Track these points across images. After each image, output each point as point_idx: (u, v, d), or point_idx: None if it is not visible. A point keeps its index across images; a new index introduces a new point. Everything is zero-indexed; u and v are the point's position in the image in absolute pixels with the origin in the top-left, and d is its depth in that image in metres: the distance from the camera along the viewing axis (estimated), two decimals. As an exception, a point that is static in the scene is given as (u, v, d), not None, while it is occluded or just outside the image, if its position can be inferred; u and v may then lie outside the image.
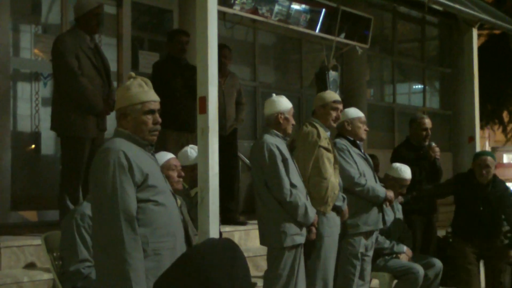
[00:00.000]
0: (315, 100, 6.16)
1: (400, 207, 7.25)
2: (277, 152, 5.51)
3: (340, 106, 6.14)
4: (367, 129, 6.51)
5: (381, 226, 6.45)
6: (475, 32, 7.26)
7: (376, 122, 13.66)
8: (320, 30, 9.77)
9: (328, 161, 5.84)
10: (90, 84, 6.46)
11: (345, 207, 6.01)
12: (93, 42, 6.68)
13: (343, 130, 6.48)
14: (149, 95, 4.03)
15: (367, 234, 6.35)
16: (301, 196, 5.52)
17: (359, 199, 6.24)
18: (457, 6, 6.86)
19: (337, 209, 5.93)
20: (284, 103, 5.70)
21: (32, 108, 8.36)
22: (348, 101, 11.57)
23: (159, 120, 4.06)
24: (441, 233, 9.45)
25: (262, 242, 5.71)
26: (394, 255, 6.96)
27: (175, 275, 2.01)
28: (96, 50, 6.70)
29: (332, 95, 6.19)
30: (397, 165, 7.03)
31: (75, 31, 6.65)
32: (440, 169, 7.85)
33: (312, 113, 6.17)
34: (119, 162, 3.82)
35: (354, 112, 6.53)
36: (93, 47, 6.66)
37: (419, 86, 15.56)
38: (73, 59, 6.42)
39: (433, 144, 7.76)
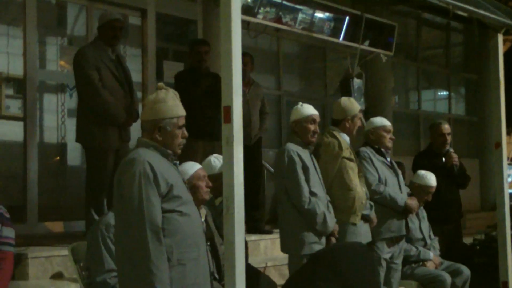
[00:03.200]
0: (341, 111, 6.08)
1: (425, 214, 7.20)
2: (297, 160, 5.51)
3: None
4: (392, 137, 6.47)
5: (404, 232, 6.40)
6: (500, 38, 7.19)
7: (401, 129, 13.58)
8: (344, 38, 9.76)
9: (352, 171, 5.83)
10: (112, 96, 6.48)
11: (373, 215, 5.99)
12: (115, 53, 6.72)
13: (368, 139, 6.48)
14: (182, 110, 4.12)
15: (392, 241, 6.32)
16: (320, 205, 5.49)
17: (381, 206, 6.21)
18: (481, 11, 6.80)
19: (365, 217, 5.92)
20: (300, 112, 5.70)
21: (58, 119, 8.44)
22: (373, 109, 11.55)
23: (186, 134, 4.16)
24: (467, 240, 9.38)
25: (283, 249, 5.71)
26: (421, 263, 6.92)
27: (310, 278, 1.94)
28: (117, 61, 6.72)
29: (357, 105, 6.17)
30: (422, 172, 6.99)
31: (96, 42, 6.70)
32: (461, 175, 7.76)
33: (332, 122, 6.13)
34: (144, 173, 3.84)
35: (378, 121, 6.52)
36: (114, 58, 6.68)
37: (444, 93, 15.47)
38: (93, 72, 6.45)
39: (451, 150, 7.68)
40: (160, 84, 4.17)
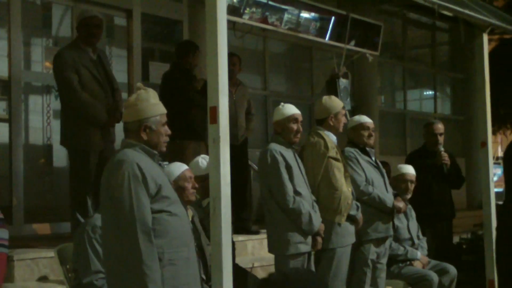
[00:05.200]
0: (323, 110, 6.07)
1: (414, 213, 7.21)
2: (280, 159, 5.50)
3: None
4: (372, 134, 6.43)
5: (391, 233, 6.41)
6: (485, 37, 7.23)
7: (388, 128, 13.64)
8: (330, 38, 9.75)
9: (338, 171, 5.82)
10: (92, 97, 6.44)
11: (359, 216, 5.98)
12: (96, 53, 6.67)
13: (349, 138, 6.49)
14: (163, 107, 4.15)
15: (378, 241, 6.32)
16: (304, 204, 5.48)
17: (368, 207, 6.21)
18: (467, 11, 6.83)
19: (351, 218, 5.91)
20: (282, 112, 5.68)
21: (43, 120, 8.40)
22: (359, 109, 11.56)
23: (169, 132, 4.18)
24: (454, 239, 9.42)
25: (269, 249, 5.71)
26: (408, 262, 6.93)
27: None
28: (98, 61, 6.67)
29: (339, 101, 6.17)
30: (398, 165, 7.06)
31: (76, 43, 6.66)
32: (453, 175, 7.77)
33: (317, 122, 6.11)
34: (133, 174, 3.86)
35: (357, 119, 6.51)
36: (95, 58, 6.63)
37: (430, 92, 15.53)
38: (72, 74, 6.40)
39: (441, 149, 7.70)
40: (139, 84, 4.19)
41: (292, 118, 5.65)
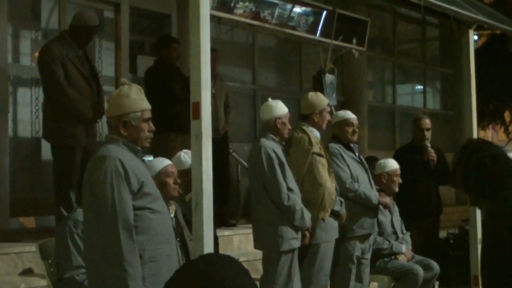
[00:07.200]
0: (308, 106, 6.08)
1: (397, 208, 7.23)
2: (274, 156, 5.53)
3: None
4: (356, 130, 6.43)
5: (376, 229, 6.45)
6: (471, 33, 7.26)
7: (377, 123, 13.64)
8: (321, 33, 9.73)
9: (322, 166, 5.84)
10: (78, 93, 6.42)
11: (343, 211, 6.00)
12: (81, 49, 6.63)
13: (333, 133, 6.49)
14: (147, 103, 4.11)
15: (363, 238, 6.35)
16: (298, 200, 5.53)
17: (353, 203, 6.22)
18: (453, 7, 6.86)
19: (335, 213, 5.93)
20: (281, 108, 5.70)
21: (32, 113, 8.36)
22: (348, 103, 11.58)
23: (153, 128, 4.14)
24: (441, 234, 9.45)
25: (257, 245, 5.71)
26: (393, 256, 6.95)
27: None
28: (84, 57, 6.64)
29: (325, 98, 6.18)
30: (382, 161, 7.03)
31: (64, 37, 6.61)
32: (439, 171, 7.78)
33: (301, 117, 6.12)
34: (116, 170, 3.85)
35: (341, 115, 6.51)
36: (81, 54, 6.60)
37: (420, 87, 15.54)
38: (59, 69, 6.38)
39: (428, 145, 7.71)
40: (123, 79, 4.19)
41: (288, 116, 5.70)
